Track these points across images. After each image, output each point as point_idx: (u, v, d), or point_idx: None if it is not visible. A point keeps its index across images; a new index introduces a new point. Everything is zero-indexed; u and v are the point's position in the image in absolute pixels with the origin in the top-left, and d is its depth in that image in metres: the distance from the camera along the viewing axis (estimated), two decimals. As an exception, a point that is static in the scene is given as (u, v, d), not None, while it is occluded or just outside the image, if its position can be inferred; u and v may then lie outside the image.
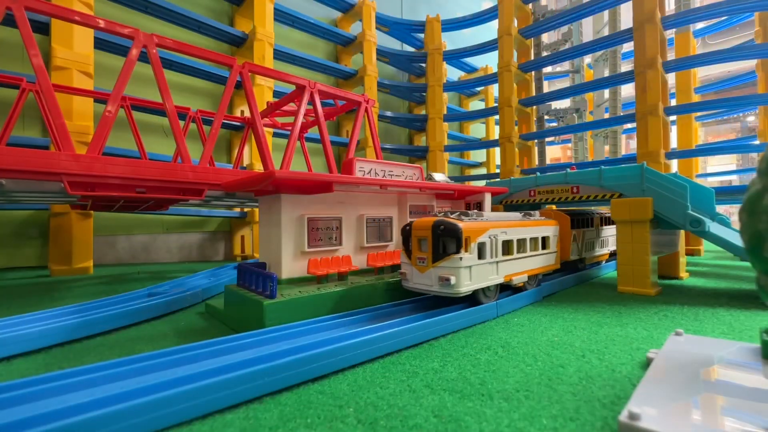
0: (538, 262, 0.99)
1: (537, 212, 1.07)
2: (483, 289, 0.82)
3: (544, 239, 1.02)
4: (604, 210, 1.55)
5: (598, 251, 1.43)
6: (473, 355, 0.60)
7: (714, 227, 1.03)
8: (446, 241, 0.76)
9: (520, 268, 0.92)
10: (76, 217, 1.62)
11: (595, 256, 1.40)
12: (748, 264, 1.44)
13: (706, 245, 2.19)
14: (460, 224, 0.75)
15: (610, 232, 1.52)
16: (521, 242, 0.93)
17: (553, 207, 1.64)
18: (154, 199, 1.03)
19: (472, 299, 0.82)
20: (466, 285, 0.75)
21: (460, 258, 0.74)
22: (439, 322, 0.69)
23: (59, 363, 0.60)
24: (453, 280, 0.73)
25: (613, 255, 1.57)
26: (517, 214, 1.01)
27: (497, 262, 0.84)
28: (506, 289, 0.94)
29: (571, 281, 1.20)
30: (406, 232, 0.83)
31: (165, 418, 0.40)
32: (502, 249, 0.85)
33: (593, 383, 0.49)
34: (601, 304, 0.93)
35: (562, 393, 0.47)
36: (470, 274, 0.76)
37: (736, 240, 0.98)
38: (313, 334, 0.67)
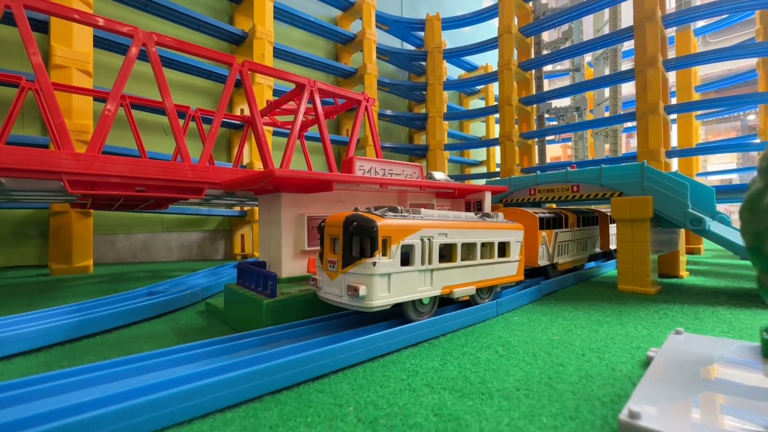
0: (492, 271, 0.82)
1: (500, 214, 0.91)
2: (413, 303, 0.69)
3: (503, 245, 0.86)
4: (590, 208, 1.47)
5: (575, 255, 1.27)
6: (473, 354, 0.60)
7: (714, 226, 1.03)
8: (359, 242, 0.63)
9: (466, 278, 0.76)
10: (76, 216, 1.62)
11: (569, 261, 1.25)
12: (748, 263, 1.43)
13: (706, 244, 2.19)
14: (378, 221, 0.61)
15: (590, 233, 1.37)
16: (468, 247, 0.77)
17: (554, 206, 1.63)
18: (154, 197, 1.03)
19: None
20: (380, 298, 0.61)
21: (374, 263, 0.60)
22: (439, 321, 0.69)
23: (59, 362, 0.60)
24: (363, 290, 0.59)
25: (593, 257, 1.44)
26: (471, 214, 0.85)
27: (431, 270, 0.69)
28: (449, 303, 0.81)
29: (571, 280, 1.20)
30: (321, 230, 0.69)
31: (165, 418, 0.40)
32: (439, 254, 0.70)
33: (593, 382, 0.49)
34: (601, 303, 0.93)
35: (562, 392, 0.47)
36: (388, 283, 0.62)
37: (737, 239, 0.98)
38: (312, 333, 0.67)
